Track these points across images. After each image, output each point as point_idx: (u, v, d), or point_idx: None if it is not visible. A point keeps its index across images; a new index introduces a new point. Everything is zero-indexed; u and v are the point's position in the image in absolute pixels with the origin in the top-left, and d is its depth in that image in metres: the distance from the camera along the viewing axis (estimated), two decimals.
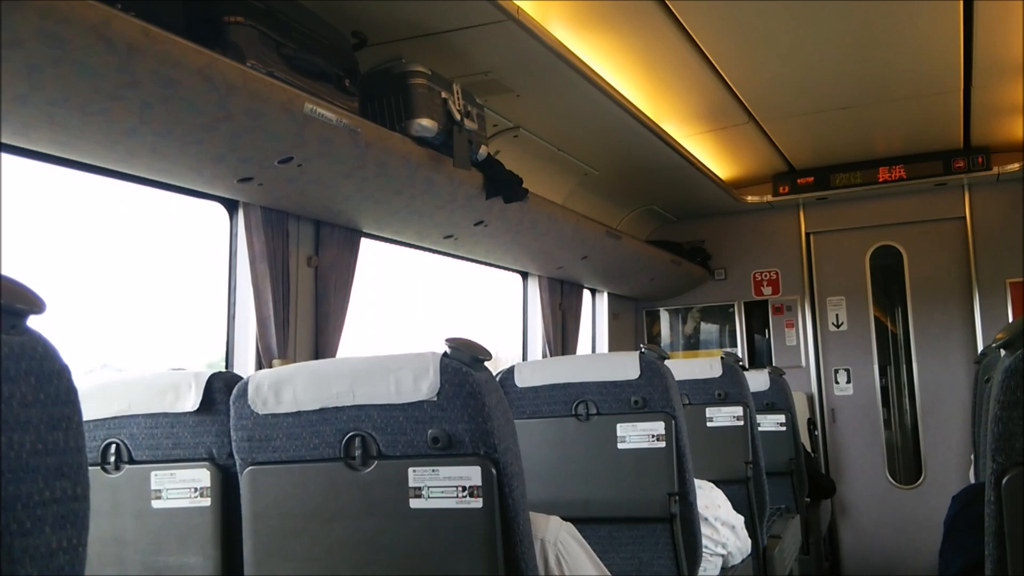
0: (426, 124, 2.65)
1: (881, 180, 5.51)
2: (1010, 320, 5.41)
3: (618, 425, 2.51)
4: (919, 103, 4.37)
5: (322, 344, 3.06)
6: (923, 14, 3.24)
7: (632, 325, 6.46)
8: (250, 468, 1.64)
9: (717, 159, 5.17)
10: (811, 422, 5.86)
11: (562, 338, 5.14)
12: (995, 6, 3.17)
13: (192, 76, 1.83)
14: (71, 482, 0.80)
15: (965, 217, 5.68)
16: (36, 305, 0.80)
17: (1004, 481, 1.17)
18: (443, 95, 2.73)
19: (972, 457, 3.41)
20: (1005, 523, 1.17)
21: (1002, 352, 1.19)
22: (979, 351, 5.04)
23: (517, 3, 2.70)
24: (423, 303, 4.61)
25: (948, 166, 5.32)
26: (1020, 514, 1.16)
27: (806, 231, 6.08)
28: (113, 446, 1.85)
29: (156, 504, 1.81)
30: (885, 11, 3.20)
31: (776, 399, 4.36)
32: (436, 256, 4.00)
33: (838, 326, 5.98)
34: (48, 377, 0.79)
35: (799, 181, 5.67)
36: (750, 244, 6.20)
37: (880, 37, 3.47)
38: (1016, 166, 5.20)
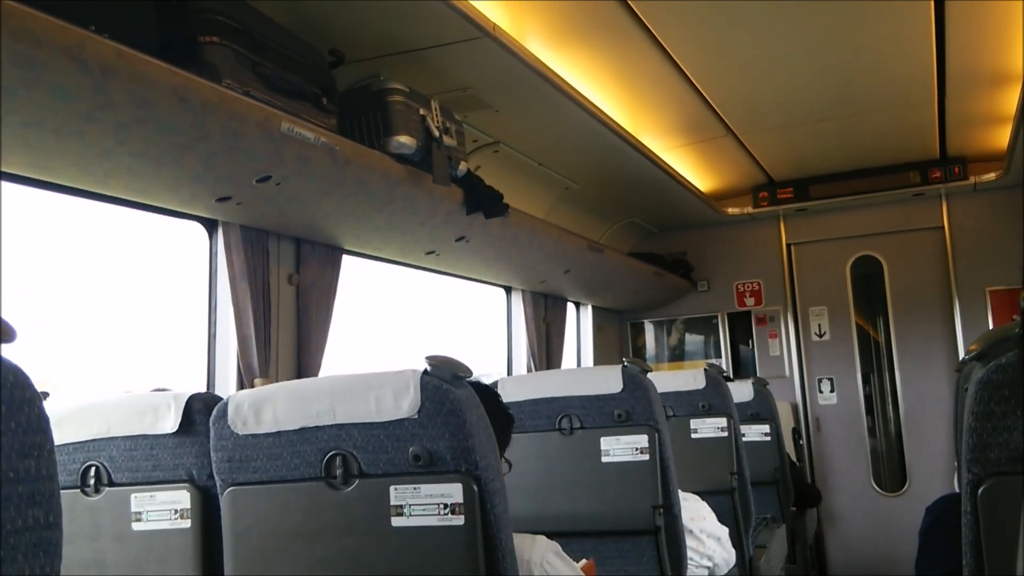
0: (405, 141, 2.65)
1: (859, 191, 5.56)
2: (990, 327, 5.46)
3: (602, 438, 2.52)
4: (895, 114, 4.42)
5: (304, 362, 3.05)
6: (896, 26, 3.29)
7: (617, 337, 6.48)
8: (230, 489, 1.63)
9: (697, 172, 5.20)
10: (796, 432, 5.88)
11: (547, 352, 5.14)
12: (967, 17, 3.22)
13: (167, 96, 1.83)
14: (43, 510, 0.80)
15: (943, 226, 5.73)
16: (6, 334, 0.80)
17: (980, 491, 1.18)
18: (421, 112, 2.74)
19: (956, 464, 3.43)
20: (982, 532, 1.18)
21: (977, 363, 1.21)
22: (960, 359, 5.09)
23: (493, 20, 2.72)
24: (407, 319, 4.61)
25: (925, 176, 5.39)
26: (997, 523, 1.17)
27: (787, 242, 6.12)
28: (92, 469, 1.84)
29: (136, 526, 1.80)
30: (859, 24, 3.24)
31: (760, 409, 4.37)
32: (419, 272, 4.00)
33: (821, 336, 6.02)
34: (19, 405, 0.79)
35: (779, 193, 5.71)
36: (732, 255, 6.23)
37: (854, 50, 3.51)
38: (992, 175, 5.26)
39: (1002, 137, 4.76)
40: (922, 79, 3.87)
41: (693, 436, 3.49)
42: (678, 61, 3.39)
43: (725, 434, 3.46)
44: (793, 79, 3.81)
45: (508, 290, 5.01)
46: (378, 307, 4.25)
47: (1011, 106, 4.12)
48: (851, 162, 5.40)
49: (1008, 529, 1.16)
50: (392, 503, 1.51)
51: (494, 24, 2.72)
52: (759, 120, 4.39)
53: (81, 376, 2.75)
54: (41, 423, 0.82)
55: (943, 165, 5.36)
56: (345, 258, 3.26)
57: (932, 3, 3.04)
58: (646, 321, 6.51)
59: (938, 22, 3.22)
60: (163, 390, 1.93)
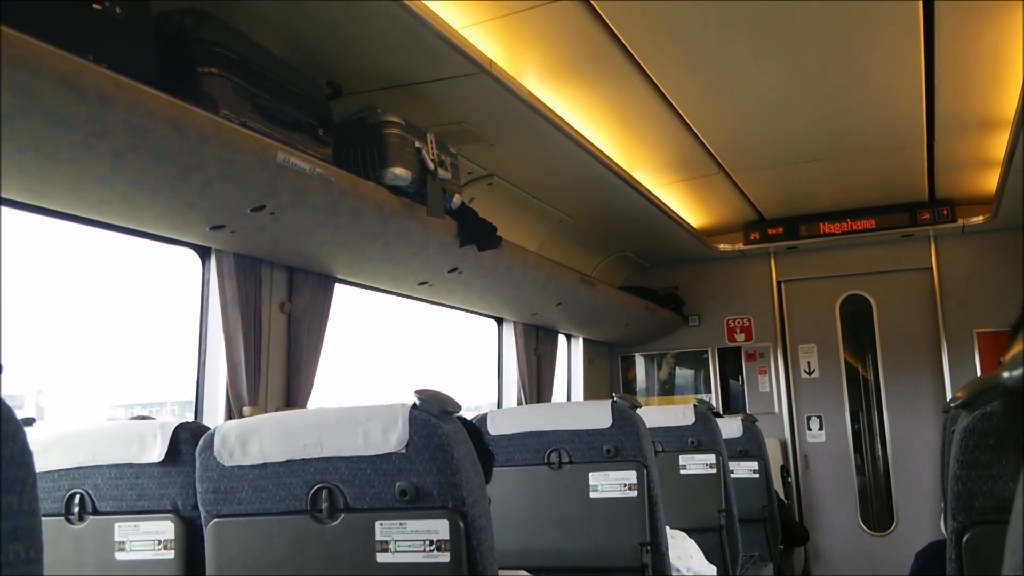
0: (400, 173, 2.67)
1: (849, 231, 5.60)
2: (978, 369, 5.48)
3: (590, 474, 2.50)
4: (885, 156, 4.47)
5: (294, 391, 3.04)
6: (887, 70, 3.33)
7: (607, 370, 6.47)
8: (215, 521, 1.62)
9: (689, 208, 5.24)
10: (784, 469, 5.87)
11: (537, 384, 5.13)
12: (956, 62, 3.27)
13: (164, 126, 1.83)
14: (24, 545, 0.79)
15: (932, 268, 5.78)
16: None
17: (965, 539, 1.18)
18: (417, 144, 2.76)
19: (942, 506, 3.43)
20: None
21: (962, 411, 1.21)
22: (947, 400, 5.09)
23: (490, 56, 2.75)
24: (399, 349, 4.60)
25: (914, 218, 5.43)
26: (981, 571, 1.17)
27: (777, 279, 6.15)
28: (77, 496, 1.82)
29: (119, 556, 1.78)
30: (850, 67, 3.29)
31: (749, 446, 4.37)
32: (411, 302, 3.99)
33: (810, 373, 6.03)
34: (2, 439, 0.78)
35: (769, 230, 5.75)
36: (723, 291, 6.26)
37: (846, 92, 3.56)
38: (981, 218, 5.31)
39: (990, 181, 4.81)
40: (912, 122, 3.91)
41: (682, 472, 3.48)
42: (672, 100, 3.43)
43: (714, 471, 3.45)
44: (785, 120, 3.85)
45: (499, 321, 5.01)
46: (369, 337, 4.24)
47: (999, 150, 4.17)
48: (841, 202, 5.45)
49: None
50: (377, 538, 1.50)
51: (491, 60, 2.75)
52: (751, 159, 4.43)
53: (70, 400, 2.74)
54: (24, 457, 0.81)
55: (932, 207, 5.41)
56: (337, 287, 3.26)
57: (922, 47, 3.09)
58: (637, 354, 6.52)
59: (928, 67, 3.26)
60: (146, 418, 1.92)
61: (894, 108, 3.75)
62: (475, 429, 2.15)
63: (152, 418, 1.89)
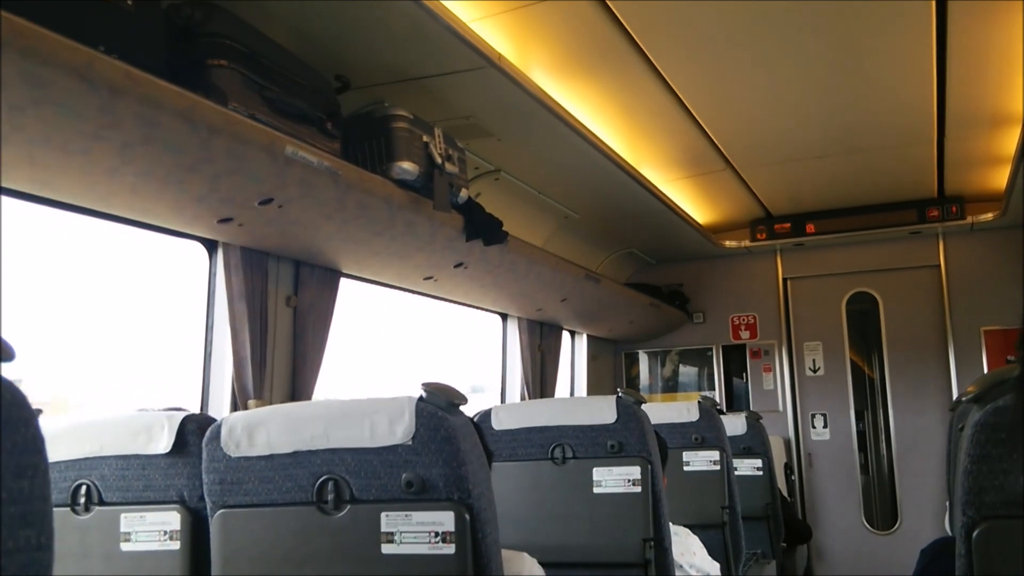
0: (407, 167, 2.67)
1: (857, 227, 5.58)
2: (984, 367, 5.47)
3: (594, 469, 2.51)
4: (894, 153, 4.45)
5: (299, 385, 3.05)
6: (898, 66, 3.32)
7: (611, 367, 6.47)
8: (221, 511, 1.63)
9: (696, 204, 5.23)
10: (788, 467, 5.86)
11: (541, 380, 5.14)
12: (968, 59, 3.25)
13: (174, 118, 1.84)
14: (35, 531, 0.79)
15: (940, 265, 5.76)
16: (5, 352, 0.80)
17: (975, 534, 1.18)
18: (424, 138, 2.76)
19: (948, 504, 3.43)
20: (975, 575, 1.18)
21: (973, 405, 1.21)
22: (954, 398, 5.09)
23: (499, 50, 2.75)
24: (405, 343, 4.60)
25: (923, 215, 5.41)
26: (991, 567, 1.17)
27: (783, 276, 6.14)
28: (83, 487, 1.83)
29: (125, 547, 1.79)
30: (860, 62, 3.27)
31: (753, 443, 4.37)
32: (417, 296, 4.00)
33: (815, 371, 6.02)
34: (15, 425, 0.79)
35: (776, 227, 5.74)
36: (728, 288, 6.25)
37: (855, 88, 3.54)
38: (990, 215, 5.30)
39: (1000, 178, 4.80)
40: (922, 118, 3.90)
41: (685, 469, 3.48)
42: (680, 95, 3.42)
43: (717, 467, 3.45)
44: (794, 115, 3.84)
45: (504, 317, 5.01)
46: (375, 330, 4.25)
47: (1010, 147, 4.16)
48: (849, 198, 5.43)
49: (1002, 573, 1.16)
50: (383, 530, 1.51)
51: (499, 54, 2.74)
52: (759, 155, 4.42)
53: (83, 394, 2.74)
54: (37, 443, 0.82)
55: (941, 204, 5.39)
56: (343, 281, 3.26)
57: (934, 44, 3.07)
58: (641, 351, 6.52)
59: (939, 63, 3.25)
60: (179, 409, 1.91)
61: (904, 104, 3.73)
62: (475, 426, 2.15)
63: (187, 410, 1.88)
